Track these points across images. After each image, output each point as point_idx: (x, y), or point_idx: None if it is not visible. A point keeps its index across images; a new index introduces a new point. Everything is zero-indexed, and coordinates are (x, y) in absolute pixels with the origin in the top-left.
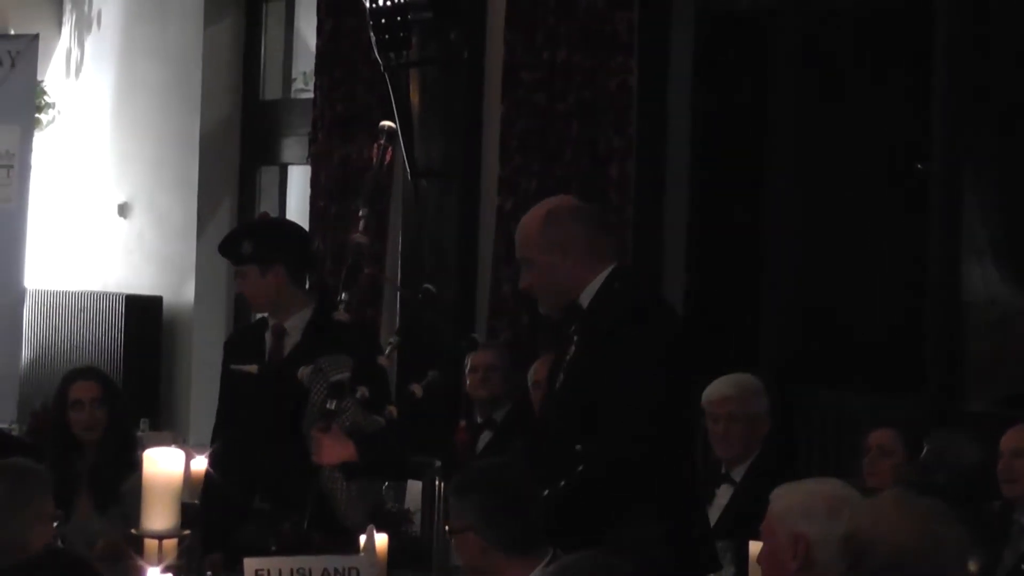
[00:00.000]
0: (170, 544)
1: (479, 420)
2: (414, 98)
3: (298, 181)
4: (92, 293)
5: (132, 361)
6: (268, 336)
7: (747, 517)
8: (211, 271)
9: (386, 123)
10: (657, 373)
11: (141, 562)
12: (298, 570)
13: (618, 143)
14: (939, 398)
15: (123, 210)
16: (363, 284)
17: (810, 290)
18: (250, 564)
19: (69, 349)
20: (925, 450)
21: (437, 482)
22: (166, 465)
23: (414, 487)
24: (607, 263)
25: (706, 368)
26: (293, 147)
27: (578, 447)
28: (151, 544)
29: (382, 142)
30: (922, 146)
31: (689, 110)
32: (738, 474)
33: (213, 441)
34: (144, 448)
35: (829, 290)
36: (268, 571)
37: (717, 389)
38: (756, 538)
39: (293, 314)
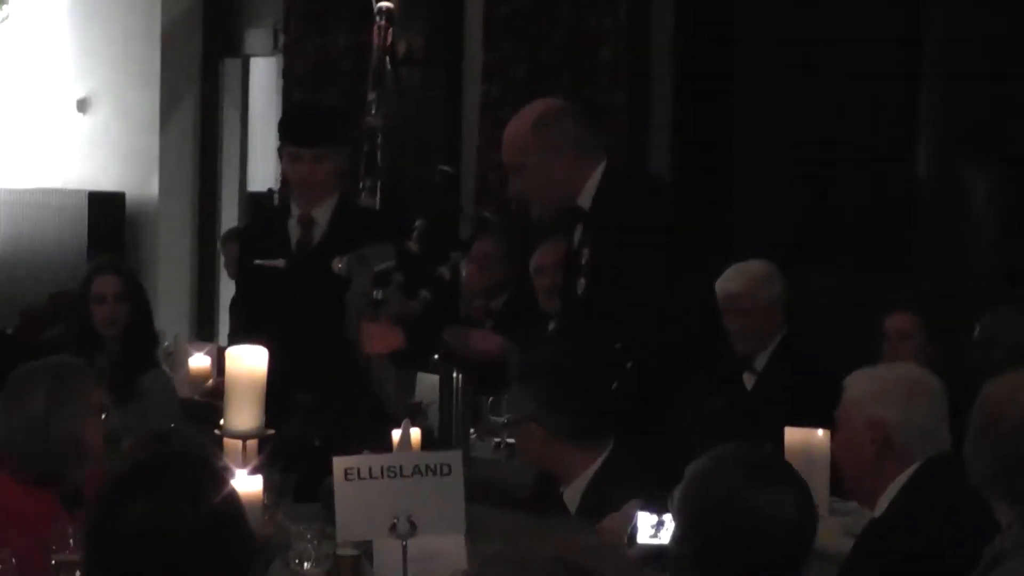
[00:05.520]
0: (253, 445)
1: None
2: None
3: (260, 73)
4: (53, 190)
5: (96, 258)
6: (292, 226)
7: (774, 404)
8: (175, 165)
9: (384, 3)
10: (677, 260)
11: (227, 463)
12: (389, 468)
13: (609, 25)
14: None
15: (82, 105)
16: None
17: (794, 169)
18: (339, 463)
19: (31, 247)
20: (978, 329)
21: (455, 374)
22: (250, 362)
23: (424, 379)
24: (600, 159)
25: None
26: (256, 39)
27: (617, 345)
28: (234, 444)
29: (382, 23)
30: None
31: None
32: (760, 363)
33: (236, 338)
34: None
35: (815, 170)
36: (359, 470)
37: (723, 287)
38: (791, 424)
39: (323, 202)
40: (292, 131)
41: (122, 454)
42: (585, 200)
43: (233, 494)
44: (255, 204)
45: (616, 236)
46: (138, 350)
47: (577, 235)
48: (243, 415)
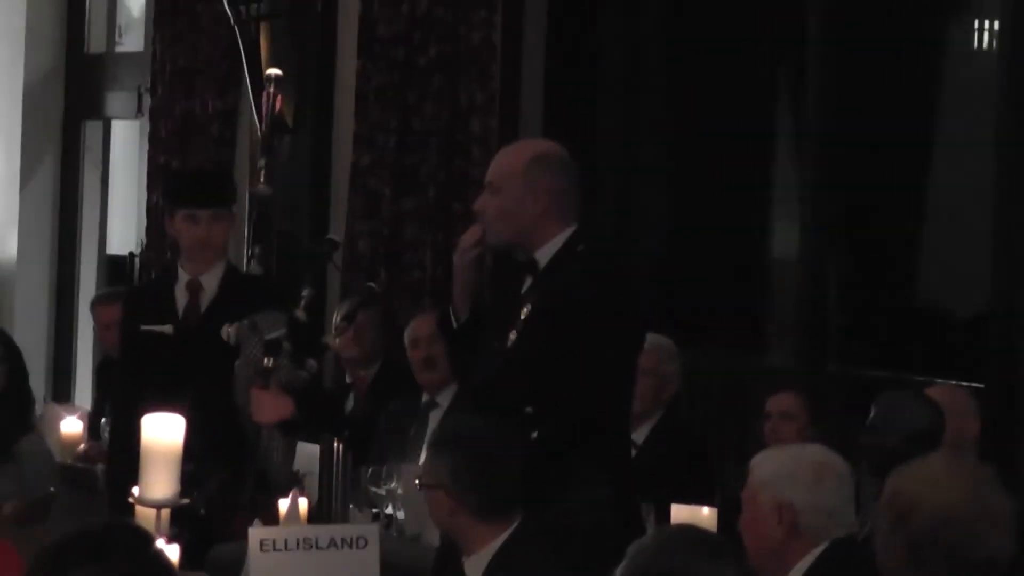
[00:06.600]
0: (167, 513)
1: (348, 380)
2: (264, 52)
3: (121, 136)
4: None
5: None
6: (179, 292)
7: (653, 479)
8: (34, 227)
9: (273, 71)
10: (615, 345)
11: None
12: (305, 540)
13: (481, 98)
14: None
15: None
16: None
17: (656, 248)
18: (255, 534)
19: None
20: (873, 412)
21: (336, 445)
22: (165, 432)
23: (303, 449)
24: (570, 223)
25: None
26: (118, 101)
27: (528, 409)
28: (147, 513)
29: (271, 90)
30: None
31: (543, 63)
32: (640, 435)
33: (118, 406)
34: None
35: (676, 249)
36: (274, 541)
37: None
38: (676, 501)
39: (211, 268)
40: (190, 193)
41: (3, 518)
42: (543, 256)
43: (168, 562)
44: (117, 267)
45: (565, 300)
46: (14, 413)
47: (524, 287)
48: (159, 484)
